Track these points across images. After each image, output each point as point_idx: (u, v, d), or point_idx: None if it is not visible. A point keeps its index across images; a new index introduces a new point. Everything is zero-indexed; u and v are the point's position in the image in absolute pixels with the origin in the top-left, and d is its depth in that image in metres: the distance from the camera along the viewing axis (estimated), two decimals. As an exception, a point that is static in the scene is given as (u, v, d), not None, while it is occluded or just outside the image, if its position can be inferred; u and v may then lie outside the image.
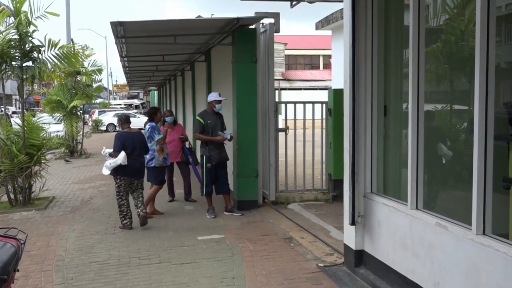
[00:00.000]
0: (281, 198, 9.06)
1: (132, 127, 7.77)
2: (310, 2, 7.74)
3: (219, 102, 8.12)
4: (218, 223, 7.76)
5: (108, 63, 69.44)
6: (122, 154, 7.37)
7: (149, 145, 8.18)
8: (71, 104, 17.24)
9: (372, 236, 5.24)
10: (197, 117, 8.27)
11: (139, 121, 33.82)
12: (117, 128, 34.85)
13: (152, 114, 8.43)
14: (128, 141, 7.44)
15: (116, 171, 7.45)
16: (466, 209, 3.81)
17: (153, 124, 8.28)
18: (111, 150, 7.54)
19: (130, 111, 43.27)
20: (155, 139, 8.18)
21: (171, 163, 9.34)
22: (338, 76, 11.94)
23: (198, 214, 8.43)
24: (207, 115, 8.18)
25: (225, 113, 8.99)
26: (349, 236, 5.54)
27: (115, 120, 35.52)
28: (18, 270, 3.42)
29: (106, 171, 7.46)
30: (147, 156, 8.19)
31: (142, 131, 8.21)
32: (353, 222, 5.29)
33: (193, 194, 9.63)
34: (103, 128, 33.97)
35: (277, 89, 42.08)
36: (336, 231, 7.01)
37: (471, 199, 3.72)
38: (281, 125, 9.51)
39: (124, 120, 7.70)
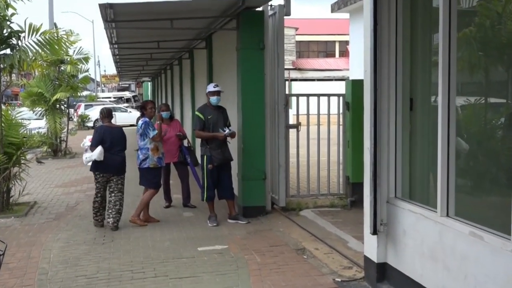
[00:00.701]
0: (292, 204, 9.08)
1: (113, 123, 8.37)
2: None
3: (214, 94, 8.12)
4: (221, 232, 7.78)
5: (95, 51, 69.72)
6: (98, 149, 7.97)
7: (142, 143, 8.21)
8: (54, 97, 17.33)
9: (396, 247, 5.24)
10: (197, 112, 8.28)
11: (130, 117, 33.99)
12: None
13: (142, 108, 8.48)
14: (107, 135, 8.05)
15: (96, 167, 8.06)
16: (504, 217, 3.80)
17: (147, 119, 8.29)
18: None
19: (120, 105, 43.43)
20: (150, 136, 8.20)
21: (167, 164, 9.37)
22: (357, 65, 11.91)
23: (198, 222, 8.46)
24: (207, 110, 8.20)
25: (228, 107, 8.99)
26: (370, 247, 5.54)
27: (103, 115, 35.58)
28: (-4, 285, 3.45)
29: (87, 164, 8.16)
30: (140, 156, 8.21)
31: (135, 127, 8.24)
32: (374, 231, 5.29)
33: (192, 199, 9.66)
34: (90, 124, 34.09)
35: (287, 80, 42.15)
36: (355, 241, 7.02)
37: (510, 204, 3.71)
38: (292, 121, 9.51)
39: (106, 114, 8.29)
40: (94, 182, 8.23)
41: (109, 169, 8.02)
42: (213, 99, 8.13)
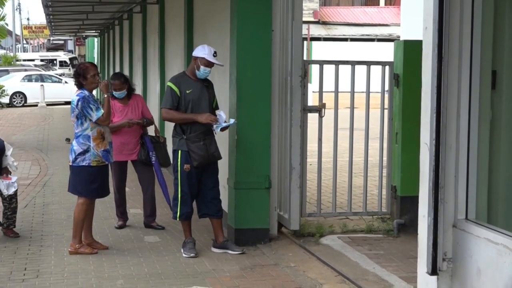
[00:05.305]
0: (310, 227, 9.10)
1: None
2: None
3: (209, 64, 8.11)
4: (201, 267, 7.82)
5: (14, -11, 69.59)
6: None
7: (79, 129, 8.14)
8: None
9: (466, 295, 5.27)
10: (169, 83, 8.28)
11: (66, 90, 33.92)
12: (29, 100, 35.09)
13: (78, 75, 8.30)
14: None
15: None
16: None
17: (85, 92, 8.22)
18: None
19: (50, 72, 43.38)
20: (93, 117, 8.15)
21: (122, 162, 9.38)
22: (413, 18, 11.91)
23: (168, 251, 8.49)
24: (186, 81, 8.19)
25: (216, 80, 9.00)
26: (427, 294, 5.57)
27: (25, 87, 35.65)
28: None
29: None
30: (75, 148, 8.14)
31: (71, 106, 8.20)
32: (434, 270, 5.32)
33: (159, 217, 9.70)
34: (5, 100, 34.01)
35: (305, 38, 42.05)
36: (404, 284, 7.04)
37: None
38: (312, 101, 9.51)
39: None
40: None
41: None
42: (205, 71, 8.09)
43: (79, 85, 8.24)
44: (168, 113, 8.16)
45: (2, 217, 9.10)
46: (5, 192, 8.88)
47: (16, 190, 9.07)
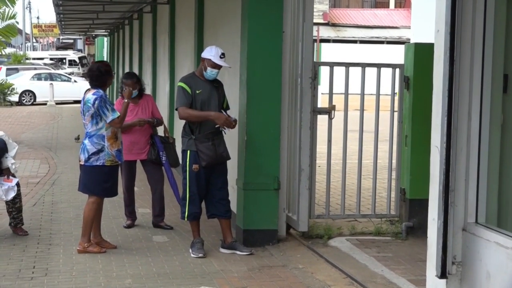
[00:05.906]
0: (318, 229, 9.10)
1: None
2: None
3: (215, 66, 8.12)
4: (209, 267, 7.83)
5: (25, -12, 69.84)
6: None
7: (94, 128, 8.16)
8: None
9: (475, 299, 5.26)
10: (180, 83, 8.29)
11: (75, 89, 34.01)
12: (38, 99, 35.11)
13: (100, 75, 8.30)
14: None
15: None
16: None
17: (101, 92, 8.24)
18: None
19: (59, 71, 43.47)
20: (108, 118, 8.16)
21: (131, 162, 9.39)
22: (424, 21, 11.91)
23: (176, 251, 8.50)
24: (196, 81, 8.21)
25: (227, 81, 8.98)
26: (436, 297, 5.56)
27: (35, 85, 35.76)
28: None
29: None
30: (88, 147, 8.14)
31: (85, 105, 8.20)
32: (443, 274, 5.31)
33: (167, 217, 9.70)
34: (15, 98, 34.17)
35: (315, 40, 42.00)
36: (412, 287, 7.03)
37: None
38: (321, 103, 9.49)
39: None
40: None
41: None
42: (212, 73, 8.11)
43: (100, 84, 8.24)
44: (185, 111, 8.14)
45: (8, 216, 9.08)
46: (3, 198, 8.79)
47: (17, 193, 8.93)
